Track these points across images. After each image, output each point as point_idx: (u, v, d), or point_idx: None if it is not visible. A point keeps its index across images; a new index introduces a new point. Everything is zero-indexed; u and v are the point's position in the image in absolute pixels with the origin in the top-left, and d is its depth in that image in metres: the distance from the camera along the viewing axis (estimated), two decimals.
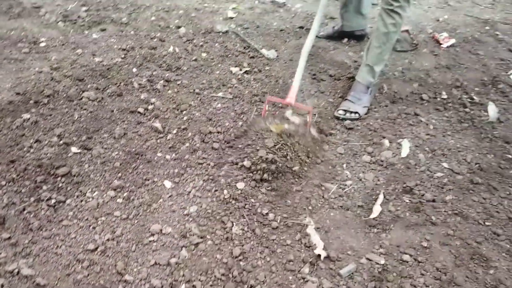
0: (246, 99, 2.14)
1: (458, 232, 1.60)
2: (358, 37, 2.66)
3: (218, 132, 1.92)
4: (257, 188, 1.68)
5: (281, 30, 2.73)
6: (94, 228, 1.50)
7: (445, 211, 1.68)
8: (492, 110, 2.18)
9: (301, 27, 2.77)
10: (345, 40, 2.67)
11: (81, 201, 1.59)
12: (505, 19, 3.06)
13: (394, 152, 1.92)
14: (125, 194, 1.62)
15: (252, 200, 1.63)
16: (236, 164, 1.76)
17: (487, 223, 1.64)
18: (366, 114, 2.13)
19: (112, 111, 1.97)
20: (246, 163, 1.74)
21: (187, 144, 1.85)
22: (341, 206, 1.67)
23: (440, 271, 1.44)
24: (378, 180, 1.79)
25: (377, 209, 1.66)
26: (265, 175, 1.70)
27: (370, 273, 1.42)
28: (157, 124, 1.91)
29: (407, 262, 1.47)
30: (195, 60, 2.37)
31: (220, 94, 2.15)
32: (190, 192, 1.65)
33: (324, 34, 2.71)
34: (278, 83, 2.27)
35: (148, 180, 1.69)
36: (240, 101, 2.13)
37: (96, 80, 2.13)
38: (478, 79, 2.41)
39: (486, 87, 2.38)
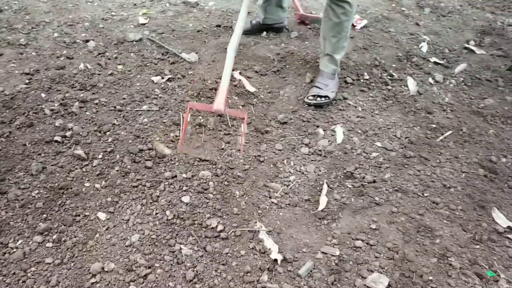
0: (173, 108, 2.03)
1: (401, 208, 1.65)
2: (278, 30, 2.65)
3: (149, 149, 1.79)
4: (203, 199, 1.59)
5: (198, 31, 2.64)
6: (24, 282, 1.31)
7: (386, 190, 1.73)
8: (411, 84, 2.30)
9: (219, 26, 2.69)
10: (264, 33, 2.65)
11: (4, 253, 1.39)
12: None
13: (329, 140, 1.93)
14: (54, 237, 1.44)
15: (200, 210, 1.55)
16: (175, 177, 1.66)
17: (425, 194, 1.72)
18: (335, 97, 2.14)
19: (24, 145, 1.75)
20: (187, 174, 1.64)
21: (117, 168, 1.70)
22: (289, 204, 1.64)
23: (392, 250, 1.48)
24: (320, 170, 1.80)
25: (323, 200, 1.66)
26: (210, 183, 1.62)
27: (328, 267, 1.41)
28: (79, 151, 1.73)
29: (360, 248, 1.48)
30: (111, 74, 2.20)
31: (145, 107, 2.01)
32: (128, 220, 1.51)
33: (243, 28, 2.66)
34: (206, 86, 2.18)
35: (79, 215, 1.52)
36: (168, 111, 2.01)
37: (0, 113, 1.88)
38: (393, 55, 2.53)
39: (402, 62, 2.50)
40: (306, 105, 2.11)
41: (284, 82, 2.28)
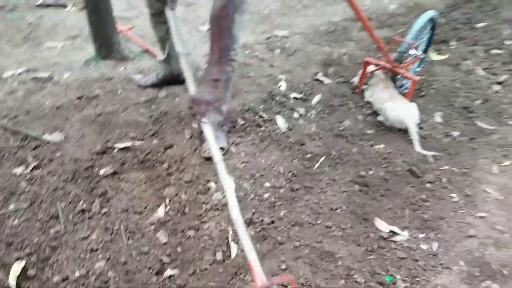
0: (47, 199, 1.82)
1: (302, 241, 1.76)
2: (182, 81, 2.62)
3: (28, 254, 1.57)
4: None
5: (58, 108, 2.45)
6: None
7: (284, 227, 1.83)
8: (281, 122, 2.51)
9: (80, 98, 2.54)
10: (134, 95, 2.60)
11: None
12: (257, 40, 3.57)
13: (222, 191, 1.97)
14: None
15: None
16: (67, 279, 1.48)
17: (318, 221, 1.87)
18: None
19: None
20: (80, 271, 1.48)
21: None
22: None
23: (305, 285, 1.56)
24: (220, 225, 1.81)
25: (234, 250, 1.68)
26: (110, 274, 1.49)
27: None
28: None
29: None
30: None
31: (11, 207, 1.76)
32: None
33: (150, 83, 2.68)
34: (80, 166, 2.02)
35: None
36: (42, 204, 1.80)
37: None
38: (259, 98, 2.72)
39: (267, 103, 2.70)
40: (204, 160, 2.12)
41: (164, 143, 2.26)
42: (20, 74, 2.73)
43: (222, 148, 2.15)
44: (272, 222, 1.84)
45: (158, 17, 2.31)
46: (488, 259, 1.80)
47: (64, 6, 3.69)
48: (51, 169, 1.99)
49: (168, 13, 2.14)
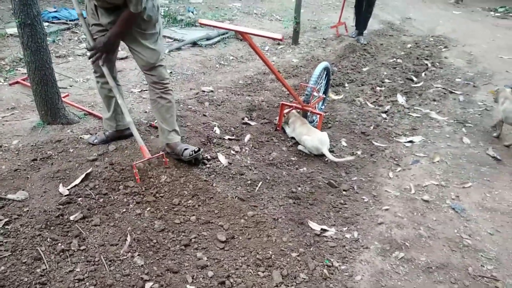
0: (27, 246, 2.01)
1: (253, 245, 2.18)
2: (130, 135, 3.01)
3: None
4: None
5: (16, 170, 2.63)
6: None
7: (239, 231, 2.24)
8: (222, 158, 2.97)
9: (35, 159, 2.74)
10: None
11: None
12: (187, 96, 4.07)
13: None
14: None
15: None
16: None
17: (264, 229, 2.32)
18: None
19: None
20: None
21: None
22: None
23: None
24: None
25: None
26: None
27: None
28: None
29: None
30: None
31: None
32: None
33: (98, 140, 2.96)
34: (51, 214, 2.24)
35: None
36: (23, 251, 1.98)
37: None
38: (199, 142, 3.16)
39: (207, 145, 3.16)
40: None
41: (118, 187, 2.56)
42: None
43: (199, 149, 2.79)
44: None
45: (103, 78, 2.71)
46: (394, 237, 2.39)
47: None
48: (24, 222, 2.19)
49: (111, 83, 2.60)
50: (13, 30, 4.97)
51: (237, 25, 2.52)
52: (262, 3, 8.93)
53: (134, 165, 2.60)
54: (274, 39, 2.26)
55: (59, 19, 5.42)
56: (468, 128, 3.79)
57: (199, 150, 2.77)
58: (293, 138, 3.43)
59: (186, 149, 2.77)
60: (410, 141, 3.56)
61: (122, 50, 4.67)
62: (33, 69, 2.90)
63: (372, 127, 3.76)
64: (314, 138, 3.17)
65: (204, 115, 3.66)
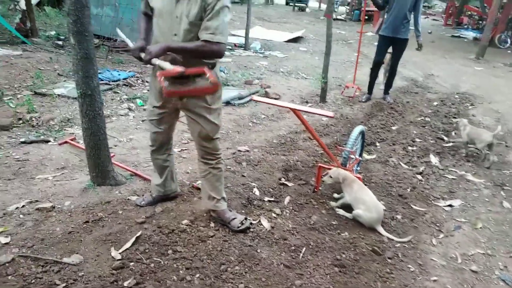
0: None
1: None
2: (174, 197, 3.20)
3: None
4: None
5: (70, 233, 2.73)
6: None
7: None
8: (264, 222, 3.02)
9: (87, 222, 2.85)
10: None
11: None
12: (225, 156, 4.20)
13: None
14: None
15: None
16: None
17: None
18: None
19: None
20: None
21: None
22: None
23: None
24: None
25: None
26: None
27: None
28: None
29: None
30: None
31: None
32: None
33: (145, 202, 3.08)
34: (104, 281, 2.30)
35: None
36: None
37: None
38: (240, 204, 3.24)
39: (247, 207, 3.23)
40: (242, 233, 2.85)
41: (167, 252, 2.62)
42: (23, 206, 2.99)
43: (246, 218, 2.93)
44: None
45: (158, 151, 2.89)
46: None
47: (47, 141, 4.08)
48: None
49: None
50: (60, 90, 5.32)
51: (288, 102, 2.65)
52: (287, 61, 9.34)
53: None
54: (326, 116, 2.39)
55: (102, 80, 5.78)
56: (506, 191, 3.77)
57: (246, 219, 2.85)
58: (336, 199, 3.44)
59: (234, 218, 2.85)
60: (450, 205, 3.55)
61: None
62: (88, 134, 3.10)
63: (409, 190, 3.78)
64: (373, 213, 3.05)
65: (243, 176, 3.76)
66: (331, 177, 3.29)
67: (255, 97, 2.77)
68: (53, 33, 8.77)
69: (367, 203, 3.09)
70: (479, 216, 3.36)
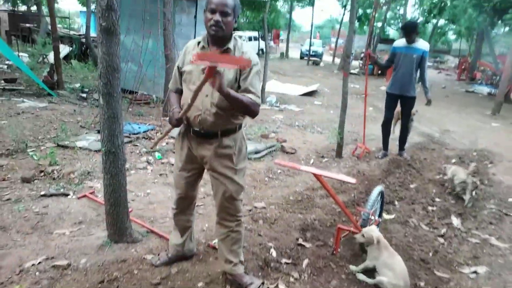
0: None
1: None
2: (191, 257, 3.13)
3: None
4: None
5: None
6: None
7: None
8: None
9: (102, 281, 2.81)
10: None
11: None
12: None
13: None
14: None
15: None
16: None
17: None
18: None
19: None
20: None
21: None
22: None
23: None
24: None
25: None
26: None
27: None
28: None
29: None
30: None
31: None
32: None
33: (161, 262, 3.02)
34: None
35: None
36: None
37: None
38: (256, 265, 3.16)
39: (264, 270, 3.14)
40: None
41: None
42: (39, 263, 2.98)
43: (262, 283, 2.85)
44: None
45: (183, 213, 2.90)
46: None
47: (66, 195, 4.14)
48: None
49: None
50: (82, 143, 5.47)
51: (310, 167, 2.65)
52: (303, 115, 9.50)
53: None
54: (348, 183, 2.39)
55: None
56: None
57: (263, 284, 2.78)
58: (351, 263, 3.35)
59: (251, 283, 2.78)
60: (474, 272, 3.40)
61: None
62: (109, 191, 3.14)
63: (431, 254, 3.65)
64: (401, 283, 2.90)
65: (259, 235, 3.70)
66: (363, 236, 3.15)
67: (277, 161, 2.80)
68: (77, 85, 9.19)
69: (396, 271, 2.94)
70: (506, 284, 3.20)
